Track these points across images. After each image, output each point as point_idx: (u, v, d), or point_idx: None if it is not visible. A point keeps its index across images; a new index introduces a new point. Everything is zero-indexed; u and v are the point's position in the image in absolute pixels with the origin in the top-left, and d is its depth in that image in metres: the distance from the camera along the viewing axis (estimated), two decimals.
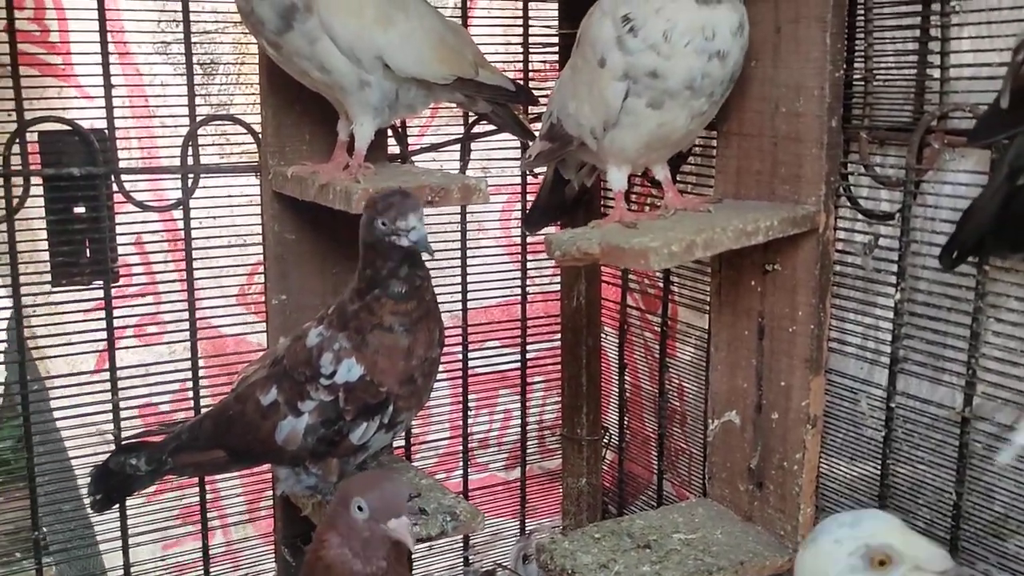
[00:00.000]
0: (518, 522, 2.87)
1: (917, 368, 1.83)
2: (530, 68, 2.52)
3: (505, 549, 2.85)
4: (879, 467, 1.90)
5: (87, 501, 1.98)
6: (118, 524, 2.22)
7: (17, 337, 2.05)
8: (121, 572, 2.26)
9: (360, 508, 1.45)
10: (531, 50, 2.53)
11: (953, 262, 1.65)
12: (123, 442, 2.07)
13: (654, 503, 2.65)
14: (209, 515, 2.34)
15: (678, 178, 2.25)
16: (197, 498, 2.32)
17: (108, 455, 1.95)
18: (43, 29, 2.37)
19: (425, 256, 1.73)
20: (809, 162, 1.81)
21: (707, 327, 2.22)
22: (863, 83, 1.88)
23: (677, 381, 2.58)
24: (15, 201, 2.00)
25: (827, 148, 1.78)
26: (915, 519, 1.86)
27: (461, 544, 2.77)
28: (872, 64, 1.86)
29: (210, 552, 2.35)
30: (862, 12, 1.87)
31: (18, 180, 2.00)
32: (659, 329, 2.54)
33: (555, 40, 2.53)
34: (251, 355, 2.33)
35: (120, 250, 2.25)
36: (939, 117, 1.74)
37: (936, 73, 1.77)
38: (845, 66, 1.82)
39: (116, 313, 2.15)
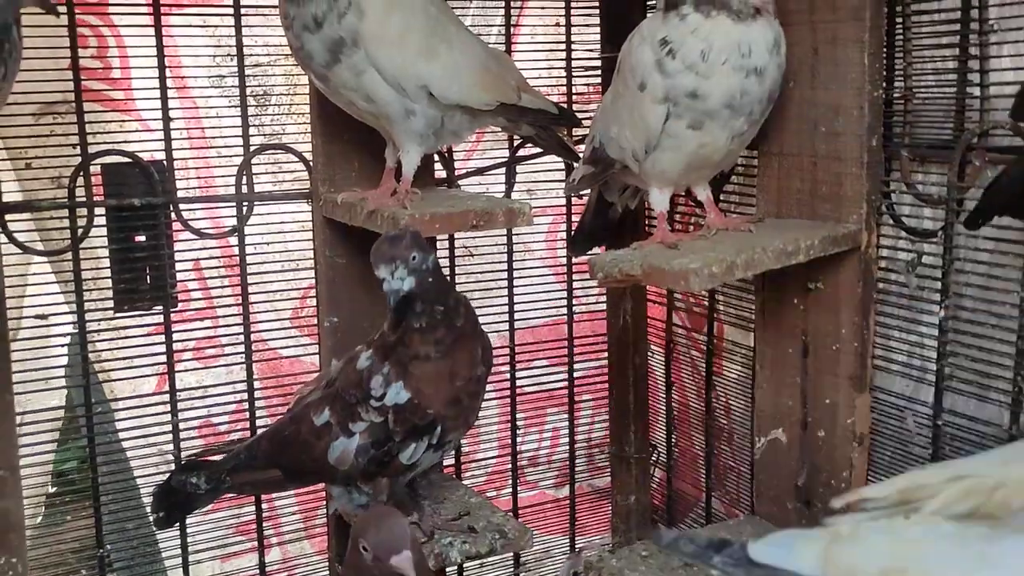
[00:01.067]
0: (568, 540, 2.89)
1: (963, 386, 1.82)
2: (573, 91, 2.56)
3: (555, 567, 2.87)
4: None
5: (151, 519, 2.05)
6: (179, 540, 2.29)
7: (82, 360, 2.13)
8: None
9: (365, 549, 1.50)
10: (574, 74, 2.57)
11: (979, 225, 1.67)
12: (183, 461, 2.14)
13: (703, 521, 2.65)
14: (266, 532, 2.40)
15: (721, 197, 2.27)
16: (254, 515, 2.38)
17: (170, 474, 2.02)
18: (106, 66, 2.47)
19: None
20: (849, 181, 1.81)
21: (752, 345, 2.23)
22: (903, 102, 1.88)
23: (724, 399, 2.59)
24: (80, 231, 2.09)
25: (867, 167, 1.79)
26: None
27: (512, 561, 2.79)
28: (912, 83, 1.87)
29: (267, 568, 2.40)
30: (900, 31, 1.88)
31: (82, 211, 2.08)
32: (705, 347, 2.55)
33: (598, 64, 2.57)
34: (305, 375, 2.39)
35: (179, 276, 2.33)
36: (980, 135, 1.74)
37: (976, 91, 1.77)
38: (884, 85, 1.82)
39: (175, 336, 2.22)
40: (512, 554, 2.73)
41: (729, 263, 1.65)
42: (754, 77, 1.70)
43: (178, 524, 2.21)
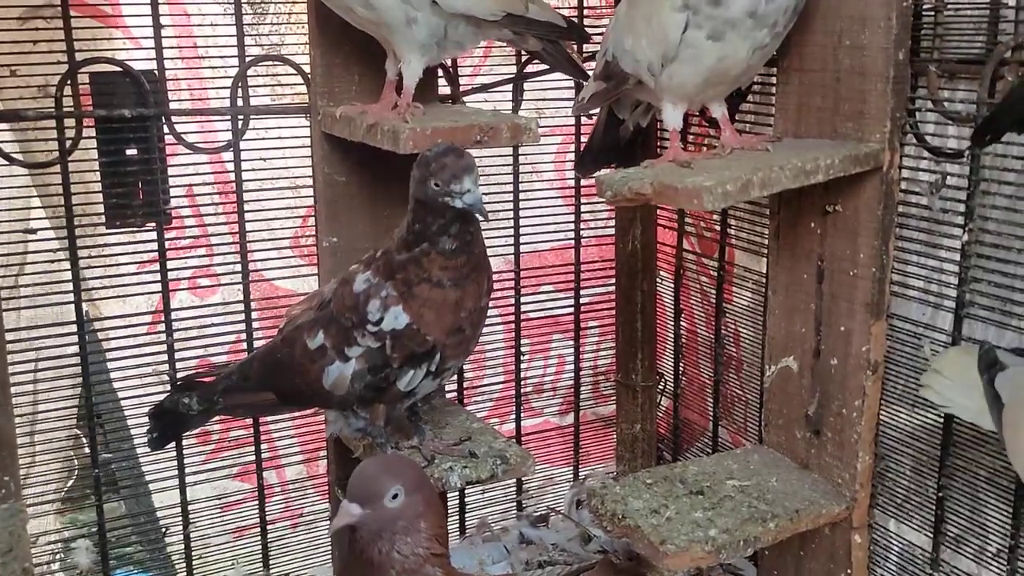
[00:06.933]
0: (572, 468, 2.86)
1: (983, 312, 1.76)
2: (584, 5, 2.46)
3: (559, 495, 2.85)
4: (942, 415, 1.84)
5: (145, 439, 2.01)
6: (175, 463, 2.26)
7: (72, 278, 2.08)
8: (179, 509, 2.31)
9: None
10: None
11: (986, 142, 1.58)
12: (178, 382, 2.09)
13: (709, 450, 2.62)
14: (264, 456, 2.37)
15: (736, 117, 2.19)
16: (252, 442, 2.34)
17: (164, 395, 1.98)
18: None
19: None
20: (874, 98, 1.73)
21: (765, 271, 2.17)
22: (933, 13, 1.78)
23: (733, 327, 2.53)
24: (68, 142, 2.01)
25: (893, 82, 1.70)
26: (978, 468, 1.80)
27: (515, 489, 2.77)
28: None
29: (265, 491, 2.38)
30: None
31: (70, 122, 2.01)
32: (715, 273, 2.49)
33: None
34: None
35: (173, 203, 2.26)
36: (1013, 48, 1.64)
37: (1011, 1, 1.67)
38: None
39: (170, 264, 2.16)
40: (515, 481, 2.71)
41: (745, 181, 1.58)
42: None
43: (174, 445, 2.18)
